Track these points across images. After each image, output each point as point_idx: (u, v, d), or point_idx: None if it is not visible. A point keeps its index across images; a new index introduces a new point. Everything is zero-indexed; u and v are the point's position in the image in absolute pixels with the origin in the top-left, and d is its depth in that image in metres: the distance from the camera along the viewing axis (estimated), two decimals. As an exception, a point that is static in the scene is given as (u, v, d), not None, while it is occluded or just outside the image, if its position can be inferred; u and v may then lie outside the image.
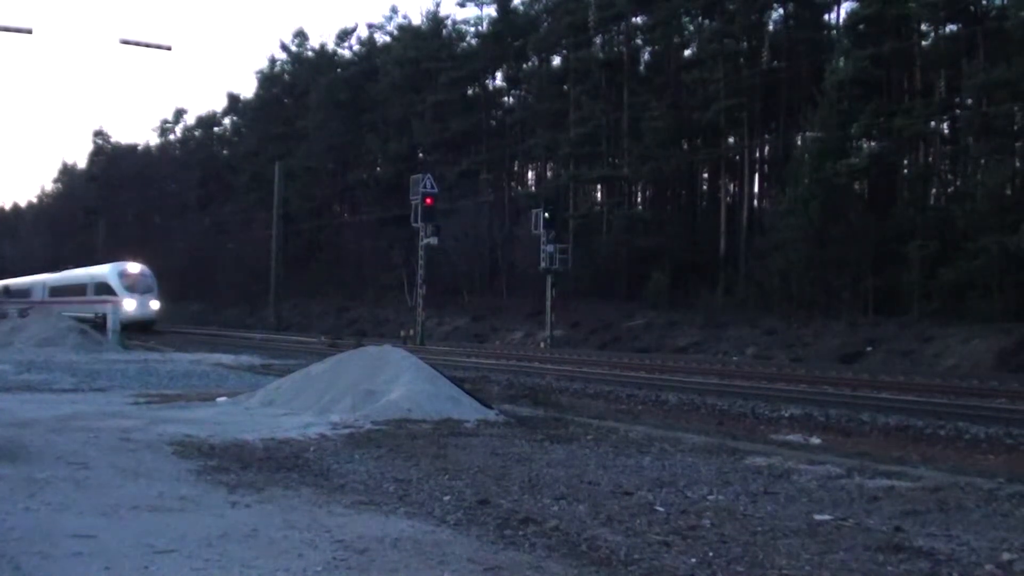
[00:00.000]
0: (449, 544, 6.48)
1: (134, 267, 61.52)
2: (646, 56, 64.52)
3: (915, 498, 8.42)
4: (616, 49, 63.03)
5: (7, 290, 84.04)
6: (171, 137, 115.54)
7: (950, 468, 10.53)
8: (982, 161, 41.33)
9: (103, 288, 60.16)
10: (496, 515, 7.34)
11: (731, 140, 56.68)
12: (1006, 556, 6.34)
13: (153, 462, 9.72)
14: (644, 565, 6.02)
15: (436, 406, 13.39)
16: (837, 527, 7.16)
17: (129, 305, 56.51)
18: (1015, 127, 42.44)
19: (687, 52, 60.13)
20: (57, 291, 70.01)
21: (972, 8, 43.80)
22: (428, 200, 44.54)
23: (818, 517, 7.47)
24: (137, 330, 52.12)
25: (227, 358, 30.04)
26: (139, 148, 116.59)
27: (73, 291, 65.33)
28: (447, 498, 7.97)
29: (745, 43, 55.44)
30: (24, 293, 79.28)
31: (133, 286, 59.00)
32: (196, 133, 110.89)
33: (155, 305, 59.01)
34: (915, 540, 6.74)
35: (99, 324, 52.05)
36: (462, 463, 9.80)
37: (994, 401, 20.54)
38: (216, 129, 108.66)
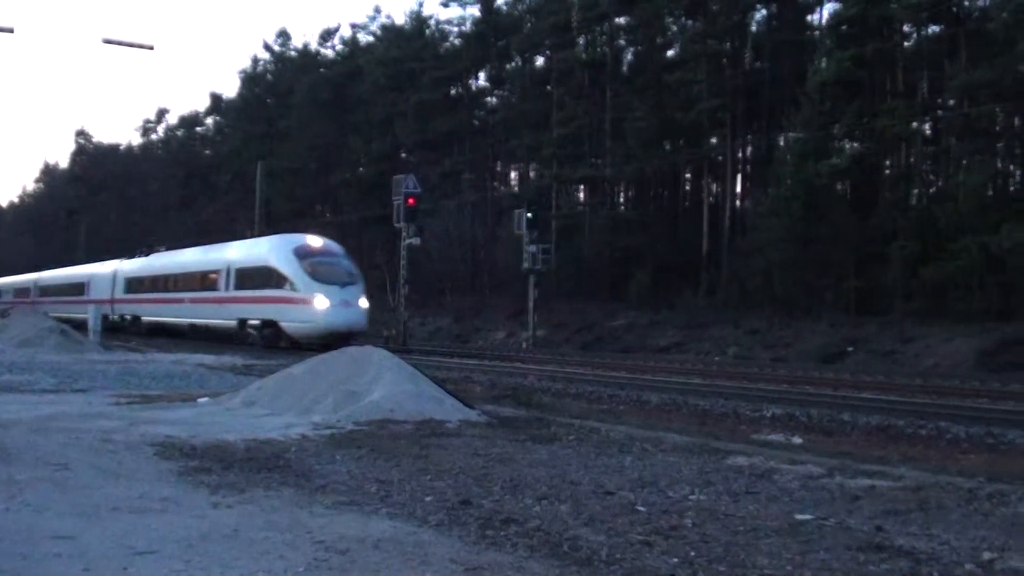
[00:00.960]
0: (431, 545, 6.47)
1: (315, 241, 41.23)
2: (629, 57, 64.67)
3: (896, 498, 8.44)
4: (599, 50, 63.12)
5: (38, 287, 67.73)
6: (153, 137, 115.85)
7: (931, 468, 10.57)
8: (964, 162, 41.57)
9: (263, 277, 39.21)
10: (478, 515, 7.34)
11: (714, 141, 56.84)
12: (986, 555, 6.36)
13: (134, 463, 9.68)
14: (626, 565, 6.02)
15: (418, 406, 13.36)
16: (818, 527, 7.18)
17: (322, 304, 36.63)
18: (997, 128, 42.71)
19: (670, 53, 60.19)
20: (144, 285, 51.00)
21: (954, 9, 43.95)
22: (410, 200, 44.27)
23: (799, 517, 7.49)
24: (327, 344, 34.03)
25: (209, 358, 29.92)
26: (121, 148, 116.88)
27: (183, 284, 46.32)
28: (429, 499, 7.96)
29: (728, 44, 55.52)
30: (64, 290, 62.11)
31: (319, 272, 38.14)
32: (178, 133, 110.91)
33: (364, 304, 38.67)
34: (896, 539, 6.76)
35: (265, 342, 38.45)
36: (444, 464, 9.79)
37: (975, 401, 20.65)
38: (198, 129, 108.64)
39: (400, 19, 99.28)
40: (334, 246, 41.47)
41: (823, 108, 43.86)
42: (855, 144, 45.97)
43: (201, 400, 16.13)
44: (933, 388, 23.48)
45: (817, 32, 52.77)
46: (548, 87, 65.97)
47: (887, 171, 47.71)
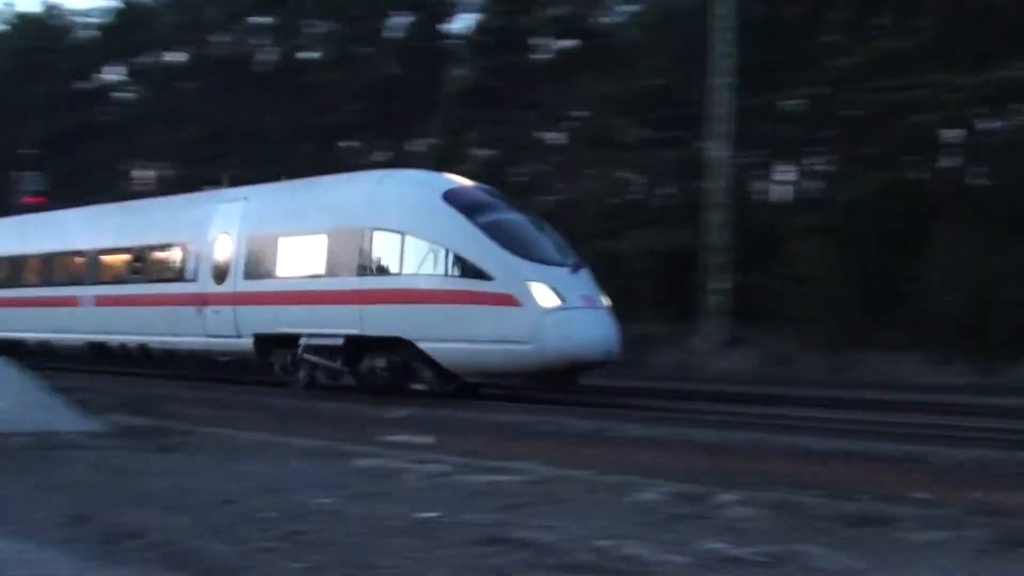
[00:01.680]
0: (47, 563, 6.21)
1: (467, 182, 24.07)
2: (268, 57, 63.92)
3: (519, 492, 8.79)
4: (238, 48, 62.05)
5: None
6: None
7: (554, 462, 10.93)
8: (589, 171, 43.33)
9: (374, 254, 20.81)
10: (98, 530, 7.10)
11: (349, 144, 57.03)
12: (602, 543, 6.68)
13: None
14: (251, 573, 5.99)
15: (33, 417, 12.68)
16: (442, 524, 7.36)
17: (548, 302, 19.26)
18: (621, 139, 44.79)
19: (309, 55, 59.97)
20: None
21: (587, 26, 45.84)
22: (31, 199, 41.66)
23: (424, 515, 7.65)
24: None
25: None
26: None
27: (84, 272, 29.43)
28: (43, 515, 7.61)
29: (366, 49, 55.83)
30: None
31: (516, 240, 20.33)
32: None
33: (607, 301, 22.26)
34: (517, 532, 7.00)
35: (360, 382, 22.06)
36: (60, 477, 9.41)
37: (596, 397, 21.72)
38: None
39: (31, 7, 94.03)
40: (484, 192, 22.99)
41: (457, 115, 44.81)
42: (487, 151, 47.19)
43: None
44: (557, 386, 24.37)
45: (455, 41, 53.80)
46: (183, 84, 64.26)
47: (518, 178, 49.14)
